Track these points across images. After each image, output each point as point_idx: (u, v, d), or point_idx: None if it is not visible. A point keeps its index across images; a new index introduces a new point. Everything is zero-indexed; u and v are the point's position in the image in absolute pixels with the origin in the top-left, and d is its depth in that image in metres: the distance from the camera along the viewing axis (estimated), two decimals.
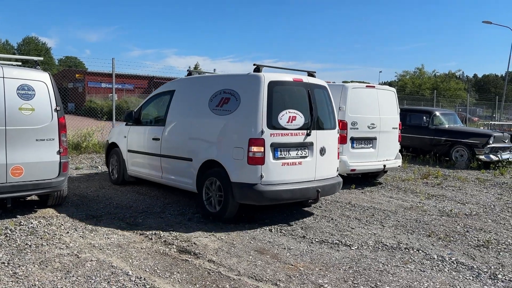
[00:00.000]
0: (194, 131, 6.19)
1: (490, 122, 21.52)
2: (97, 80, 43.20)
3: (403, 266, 4.39)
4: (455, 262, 4.54)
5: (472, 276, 4.20)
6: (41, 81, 5.75)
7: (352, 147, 8.26)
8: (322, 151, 5.92)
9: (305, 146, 5.75)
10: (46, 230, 5.16)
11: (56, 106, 5.82)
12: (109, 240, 4.92)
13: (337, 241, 5.11)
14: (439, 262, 4.53)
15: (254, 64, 5.64)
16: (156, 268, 4.17)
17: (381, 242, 5.14)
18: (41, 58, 6.56)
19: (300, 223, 5.87)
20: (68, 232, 5.12)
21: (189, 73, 6.94)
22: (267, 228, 5.52)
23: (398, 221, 6.12)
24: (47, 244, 4.67)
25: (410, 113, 13.64)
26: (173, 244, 4.85)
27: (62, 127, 5.87)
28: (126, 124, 7.76)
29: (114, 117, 12.73)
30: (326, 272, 4.20)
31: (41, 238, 4.87)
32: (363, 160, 8.38)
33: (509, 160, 12.18)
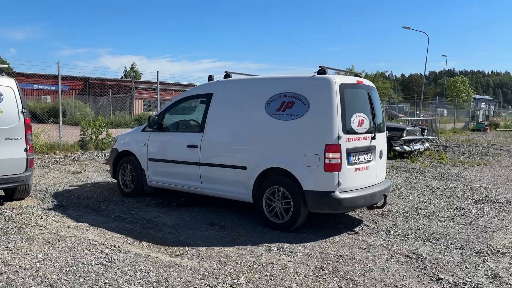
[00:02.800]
0: (248, 137, 5.85)
1: (408, 118, 24.07)
2: (28, 81, 41.65)
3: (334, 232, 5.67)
4: (362, 225, 5.90)
5: (373, 233, 5.56)
6: (8, 86, 6.41)
7: None
8: (381, 154, 5.97)
9: (370, 150, 5.73)
10: (21, 217, 5.87)
11: (23, 108, 6.50)
12: (80, 222, 5.75)
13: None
14: (351, 226, 5.87)
15: (319, 66, 5.48)
16: (126, 240, 5.11)
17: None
18: (6, 65, 7.14)
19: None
20: (42, 218, 5.87)
21: (228, 75, 6.50)
22: (214, 209, 6.58)
23: None
24: (26, 227, 5.43)
25: None
26: (136, 223, 5.79)
27: (28, 127, 6.55)
28: (144, 131, 7.12)
29: (60, 120, 13.14)
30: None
31: (19, 223, 5.60)
32: None
33: (420, 150, 14.21)
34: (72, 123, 19.87)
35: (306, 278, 4.08)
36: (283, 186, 5.44)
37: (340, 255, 4.68)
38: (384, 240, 5.28)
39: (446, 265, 4.44)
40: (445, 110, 49.39)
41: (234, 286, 3.86)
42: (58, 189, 7.80)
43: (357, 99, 5.68)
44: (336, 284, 3.95)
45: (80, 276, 3.98)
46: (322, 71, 5.47)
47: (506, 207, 7.10)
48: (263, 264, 4.40)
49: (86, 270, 4.13)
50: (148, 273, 4.11)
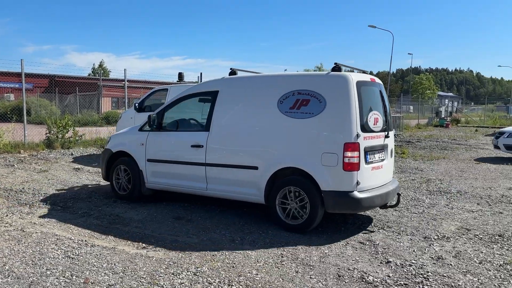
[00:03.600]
0: (260, 136, 5.64)
1: None
2: None
3: None
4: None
5: (331, 223, 5.88)
6: None
7: None
8: (392, 153, 5.96)
9: (384, 148, 5.70)
10: None
11: None
12: (46, 219, 5.81)
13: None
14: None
15: (335, 63, 5.38)
16: (93, 234, 5.23)
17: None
18: None
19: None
20: (7, 215, 5.89)
21: (233, 72, 6.26)
22: (181, 204, 6.76)
23: None
24: None
25: None
26: (103, 219, 5.91)
27: None
28: (141, 130, 6.78)
29: (25, 118, 12.94)
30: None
31: None
32: None
33: None
34: (37, 122, 19.48)
35: (266, 265, 4.34)
36: (298, 186, 5.28)
37: (299, 243, 4.97)
38: (341, 229, 5.60)
39: (396, 250, 4.80)
40: (411, 107, 50.89)
41: (197, 274, 4.07)
42: (23, 188, 7.77)
43: (371, 97, 5.56)
44: (293, 269, 4.23)
45: (47, 269, 4.09)
46: (337, 68, 5.34)
47: (456, 197, 7.59)
48: (226, 254, 4.63)
49: (53, 263, 4.25)
50: (115, 264, 4.27)
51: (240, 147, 5.83)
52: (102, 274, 4.03)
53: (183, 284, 3.84)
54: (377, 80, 5.89)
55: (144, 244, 4.89)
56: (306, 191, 5.22)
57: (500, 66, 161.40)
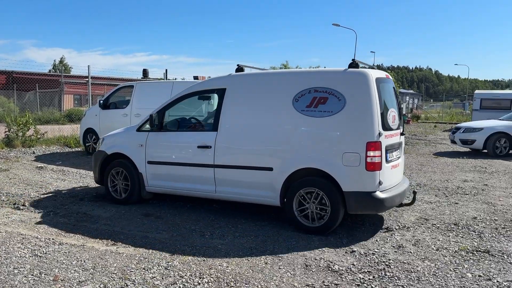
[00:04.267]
0: (274, 136, 5.40)
1: None
2: None
3: None
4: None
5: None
6: None
7: None
8: (404, 151, 5.93)
9: (399, 146, 5.67)
10: None
11: None
12: (10, 218, 5.69)
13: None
14: (277, 212, 6.32)
15: (352, 60, 5.24)
16: (60, 232, 5.18)
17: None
18: None
19: None
20: None
21: (240, 68, 6.02)
22: (149, 201, 6.75)
23: None
24: None
25: None
26: (71, 217, 5.84)
27: None
28: (140, 130, 6.43)
29: None
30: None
31: None
32: None
33: None
34: None
35: (236, 257, 4.45)
36: (318, 188, 5.08)
37: (268, 236, 5.11)
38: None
39: (359, 240, 5.02)
40: None
41: (168, 268, 4.13)
42: None
43: (388, 93, 5.42)
44: (263, 261, 4.36)
45: (14, 268, 4.04)
46: (355, 64, 5.19)
47: (416, 189, 7.95)
48: (197, 248, 4.71)
49: (20, 262, 4.19)
50: (84, 261, 4.26)
51: (253, 148, 5.57)
52: (72, 271, 4.02)
53: (155, 278, 3.90)
54: (390, 76, 5.78)
55: (113, 241, 4.89)
56: (327, 192, 5.03)
57: (456, 64, 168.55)
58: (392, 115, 5.36)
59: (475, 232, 5.35)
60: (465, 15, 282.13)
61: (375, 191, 4.94)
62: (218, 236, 5.12)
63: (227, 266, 4.21)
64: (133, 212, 6.14)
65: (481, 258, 4.50)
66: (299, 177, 5.23)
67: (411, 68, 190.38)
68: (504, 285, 3.84)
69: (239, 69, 6.00)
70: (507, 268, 4.24)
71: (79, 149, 12.91)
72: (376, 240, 5.02)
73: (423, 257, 4.50)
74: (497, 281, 3.92)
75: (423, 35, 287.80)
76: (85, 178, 8.55)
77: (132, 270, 4.07)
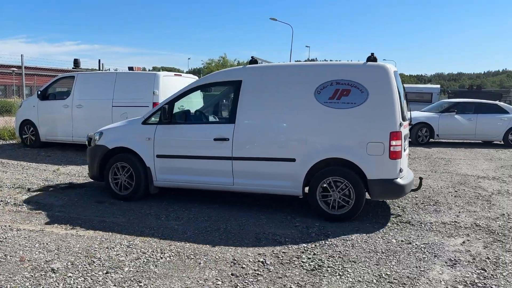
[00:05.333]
0: (296, 127, 5.56)
1: None
2: None
3: None
4: (240, 195, 6.87)
5: (251, 199, 6.56)
6: None
7: None
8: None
9: (407, 135, 6.09)
10: None
11: None
12: None
13: None
14: (228, 195, 6.79)
15: (371, 54, 5.48)
16: (15, 220, 5.27)
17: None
18: None
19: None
20: None
21: (254, 60, 6.04)
22: (99, 189, 6.91)
23: None
24: None
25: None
26: (23, 205, 5.89)
27: None
28: (145, 123, 6.23)
29: None
30: None
31: None
32: None
33: None
34: None
35: (193, 235, 4.86)
36: (342, 177, 5.32)
37: (220, 217, 5.56)
38: (258, 202, 6.30)
39: (303, 216, 5.61)
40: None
41: (130, 246, 4.45)
42: None
43: (400, 86, 5.66)
44: (218, 237, 4.81)
45: None
46: (373, 58, 5.45)
47: None
48: (154, 229, 5.05)
49: None
50: (47, 243, 4.45)
51: (274, 139, 5.64)
52: (37, 252, 4.21)
53: (119, 255, 4.21)
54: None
55: (72, 226, 5.09)
56: (351, 181, 5.28)
57: (385, 60, 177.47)
58: (404, 106, 5.72)
59: (399, 207, 6.17)
60: (392, 13, 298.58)
61: (397, 178, 5.27)
62: (173, 218, 5.48)
63: (186, 242, 4.61)
64: (86, 200, 6.30)
65: (404, 227, 5.28)
66: (322, 167, 5.43)
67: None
68: (421, 247, 4.61)
69: (253, 61, 6.05)
70: (423, 234, 5.04)
71: (14, 142, 12.46)
72: (316, 215, 5.65)
73: (356, 228, 5.19)
74: (416, 244, 4.68)
75: (356, 31, 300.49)
76: (28, 170, 8.43)
77: (96, 249, 4.34)
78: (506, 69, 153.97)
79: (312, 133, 5.51)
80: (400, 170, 5.32)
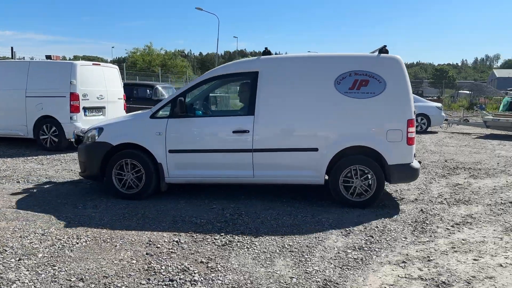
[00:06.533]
0: (318, 117, 5.65)
1: None
2: None
3: None
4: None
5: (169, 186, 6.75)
6: None
7: (85, 115, 9.91)
8: None
9: None
10: None
11: None
12: None
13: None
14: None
15: (384, 46, 5.74)
16: None
17: None
18: None
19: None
20: None
21: (269, 51, 6.03)
22: (14, 182, 6.75)
23: None
24: None
25: (136, 87, 16.02)
26: None
27: None
28: (154, 117, 5.93)
29: None
30: None
31: None
32: None
33: None
34: None
35: (110, 221, 5.00)
36: (364, 164, 5.56)
37: (139, 203, 5.72)
38: (174, 190, 6.52)
39: (217, 198, 5.95)
40: (238, 87, 54.61)
41: (45, 234, 4.50)
42: None
43: None
44: (135, 222, 5.00)
45: None
46: (385, 50, 5.72)
47: None
48: (71, 217, 5.10)
49: None
50: None
51: (296, 130, 5.75)
52: None
53: (33, 243, 4.25)
54: None
55: None
56: (372, 168, 5.55)
57: (309, 51, 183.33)
58: None
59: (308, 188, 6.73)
60: (317, 4, 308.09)
61: (412, 162, 5.65)
62: (91, 207, 5.56)
63: (103, 228, 4.75)
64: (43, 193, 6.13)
65: (310, 204, 5.82)
66: (344, 156, 5.63)
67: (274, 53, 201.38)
68: (323, 221, 5.14)
69: (268, 52, 6.03)
70: (326, 210, 5.60)
71: None
72: (231, 198, 6.02)
73: (267, 207, 5.64)
74: (318, 218, 5.22)
75: (283, 24, 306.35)
76: None
77: (8, 239, 4.33)
78: (419, 61, 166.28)
79: (334, 122, 5.67)
80: (414, 155, 5.74)
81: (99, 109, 10.33)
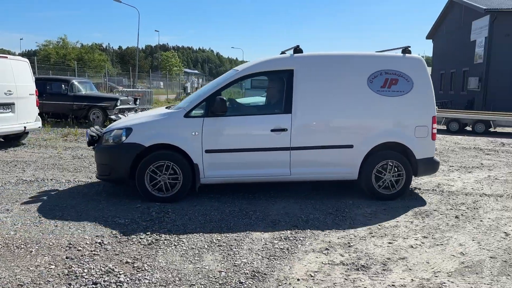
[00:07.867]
0: (353, 115, 5.85)
1: (123, 89, 25.41)
2: None
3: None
4: (72, 182, 6.68)
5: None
6: None
7: None
8: None
9: None
10: None
11: None
12: None
13: None
14: (67, 184, 6.55)
15: (408, 46, 6.04)
16: None
17: (22, 179, 6.70)
18: None
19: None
20: None
21: (300, 49, 5.91)
22: None
23: (38, 166, 7.76)
24: None
25: (50, 82, 14.96)
26: None
27: None
28: (188, 116, 5.65)
29: None
30: None
31: None
32: (4, 123, 9.32)
33: None
34: None
35: (24, 225, 4.65)
36: (395, 159, 5.86)
37: (55, 205, 5.39)
38: (100, 185, 6.24)
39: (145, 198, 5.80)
40: (161, 83, 53.45)
41: None
42: None
43: None
44: (52, 225, 4.70)
45: None
46: (408, 50, 6.05)
47: None
48: None
49: None
50: None
51: (332, 127, 5.87)
52: None
53: None
54: None
55: None
56: (402, 162, 5.88)
57: (233, 47, 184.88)
58: None
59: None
60: (241, 5, 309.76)
61: (434, 156, 6.10)
62: (2, 211, 5.12)
63: (15, 234, 4.40)
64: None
65: (235, 197, 5.88)
66: (376, 152, 5.85)
67: (195, 49, 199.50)
68: (250, 213, 5.23)
69: (299, 50, 5.94)
70: (254, 202, 5.70)
71: None
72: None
73: (195, 203, 5.60)
74: (245, 212, 5.29)
75: (207, 19, 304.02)
76: None
77: None
78: None
79: (368, 120, 5.89)
80: (436, 149, 6.12)
81: (7, 106, 9.50)
